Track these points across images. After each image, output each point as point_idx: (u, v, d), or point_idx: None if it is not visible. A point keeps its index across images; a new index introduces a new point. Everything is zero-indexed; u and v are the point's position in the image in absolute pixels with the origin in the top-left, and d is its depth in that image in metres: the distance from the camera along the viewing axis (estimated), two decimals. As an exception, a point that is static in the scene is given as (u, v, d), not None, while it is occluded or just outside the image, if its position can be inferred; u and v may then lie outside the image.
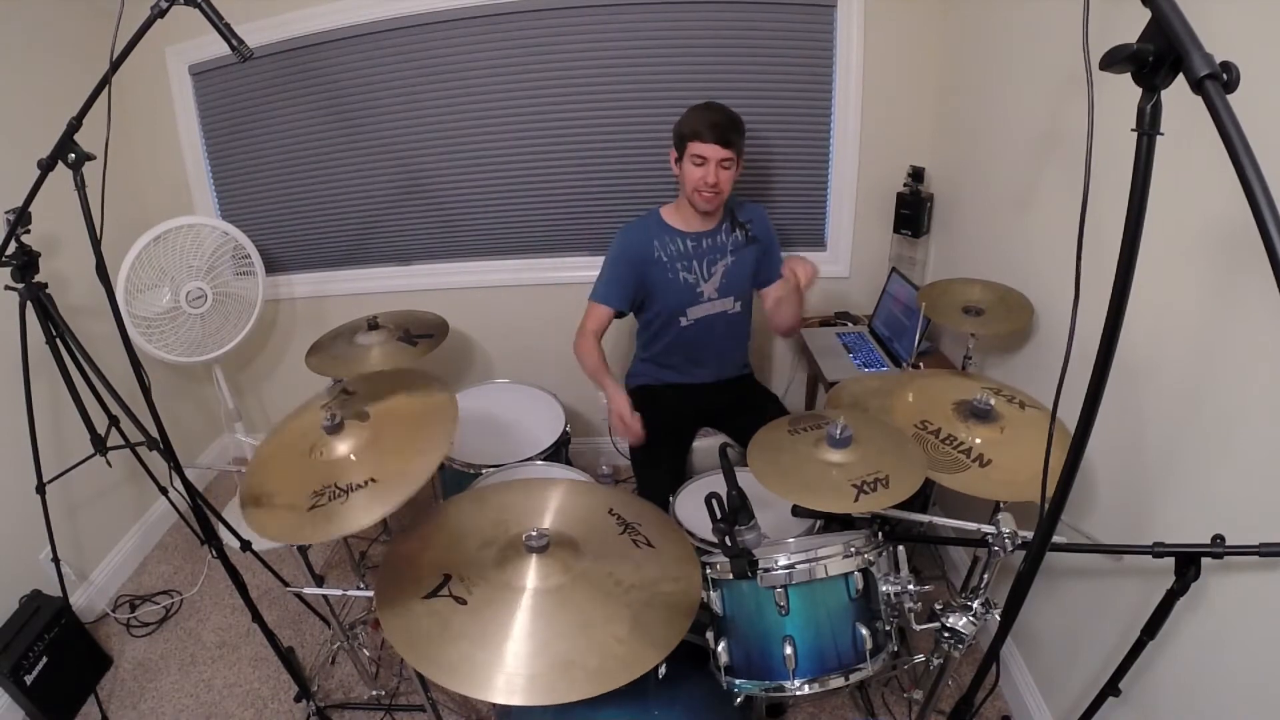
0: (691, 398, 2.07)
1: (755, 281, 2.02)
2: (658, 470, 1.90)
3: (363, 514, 1.14)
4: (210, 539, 1.43)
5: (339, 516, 1.14)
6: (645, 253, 1.91)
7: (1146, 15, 0.58)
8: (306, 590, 1.44)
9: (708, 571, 1.21)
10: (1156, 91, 0.61)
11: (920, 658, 1.36)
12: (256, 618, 1.53)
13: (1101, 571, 1.42)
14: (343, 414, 1.31)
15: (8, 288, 1.61)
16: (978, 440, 1.32)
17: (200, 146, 2.41)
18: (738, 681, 1.20)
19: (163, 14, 1.23)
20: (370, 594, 1.17)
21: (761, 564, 1.15)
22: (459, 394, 2.21)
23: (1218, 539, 1.00)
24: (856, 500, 1.14)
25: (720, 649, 1.20)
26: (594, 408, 2.74)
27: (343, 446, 1.28)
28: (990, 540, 1.11)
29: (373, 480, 1.18)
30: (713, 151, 1.74)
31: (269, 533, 1.17)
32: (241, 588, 1.48)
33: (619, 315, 1.97)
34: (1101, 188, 0.77)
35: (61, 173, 1.27)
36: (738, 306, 1.99)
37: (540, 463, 1.86)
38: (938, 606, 1.20)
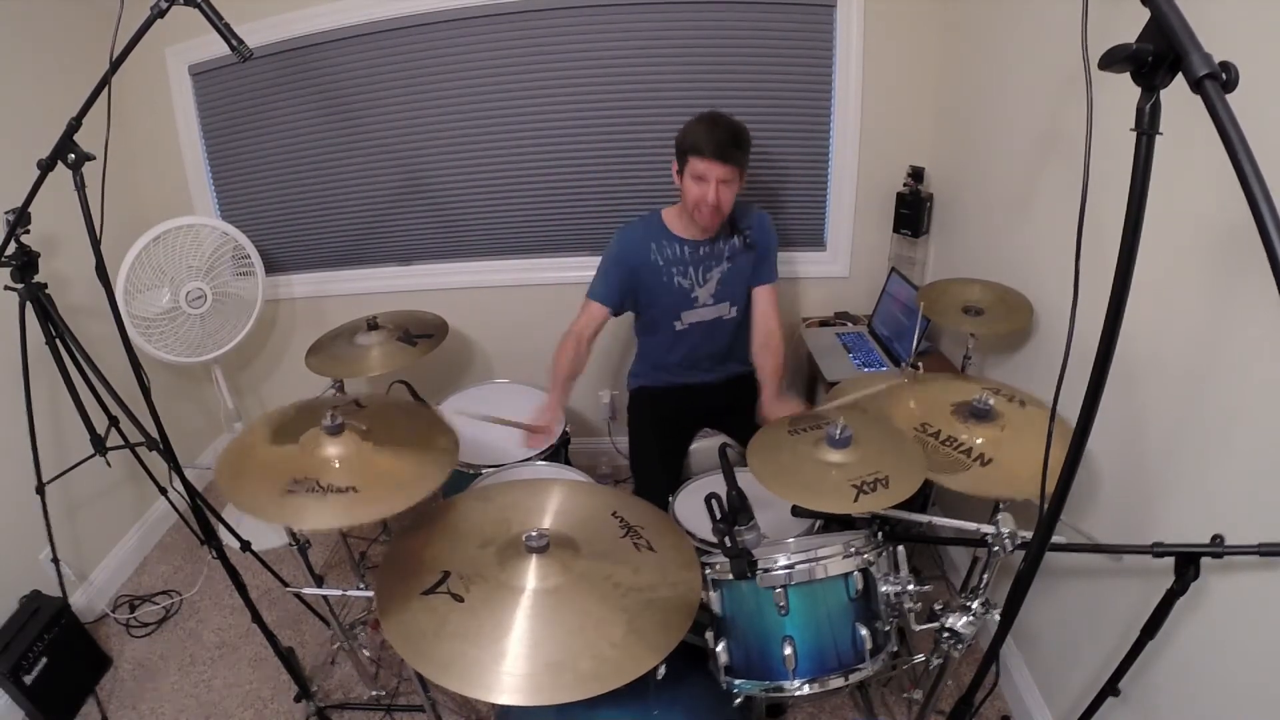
0: (691, 398, 2.07)
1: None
2: (657, 470, 1.90)
3: (331, 517, 1.15)
4: (210, 539, 1.43)
5: (307, 510, 1.14)
6: (641, 255, 1.90)
7: (1146, 15, 0.58)
8: (306, 590, 1.44)
9: (707, 572, 1.21)
10: (1155, 91, 0.61)
11: (920, 658, 1.36)
12: (256, 618, 1.52)
13: (1101, 571, 1.42)
14: (349, 420, 1.30)
15: (7, 288, 1.61)
16: (979, 440, 1.32)
17: (200, 146, 2.41)
18: (737, 682, 1.20)
19: (163, 14, 1.23)
20: (370, 594, 1.17)
21: (761, 564, 1.15)
22: (459, 394, 2.24)
23: (1217, 539, 1.00)
24: (856, 500, 1.14)
25: (720, 649, 1.20)
26: (594, 408, 2.74)
27: (333, 449, 1.26)
28: (990, 540, 1.11)
29: (354, 489, 1.18)
30: (713, 170, 1.68)
31: (237, 500, 1.16)
32: (241, 588, 1.48)
33: (614, 314, 1.96)
34: (1101, 187, 0.77)
35: (61, 173, 1.27)
36: (734, 312, 1.98)
37: (540, 463, 1.86)
38: (937, 606, 1.20)
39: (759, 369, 1.98)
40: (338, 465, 1.24)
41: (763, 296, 1.98)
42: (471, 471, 1.83)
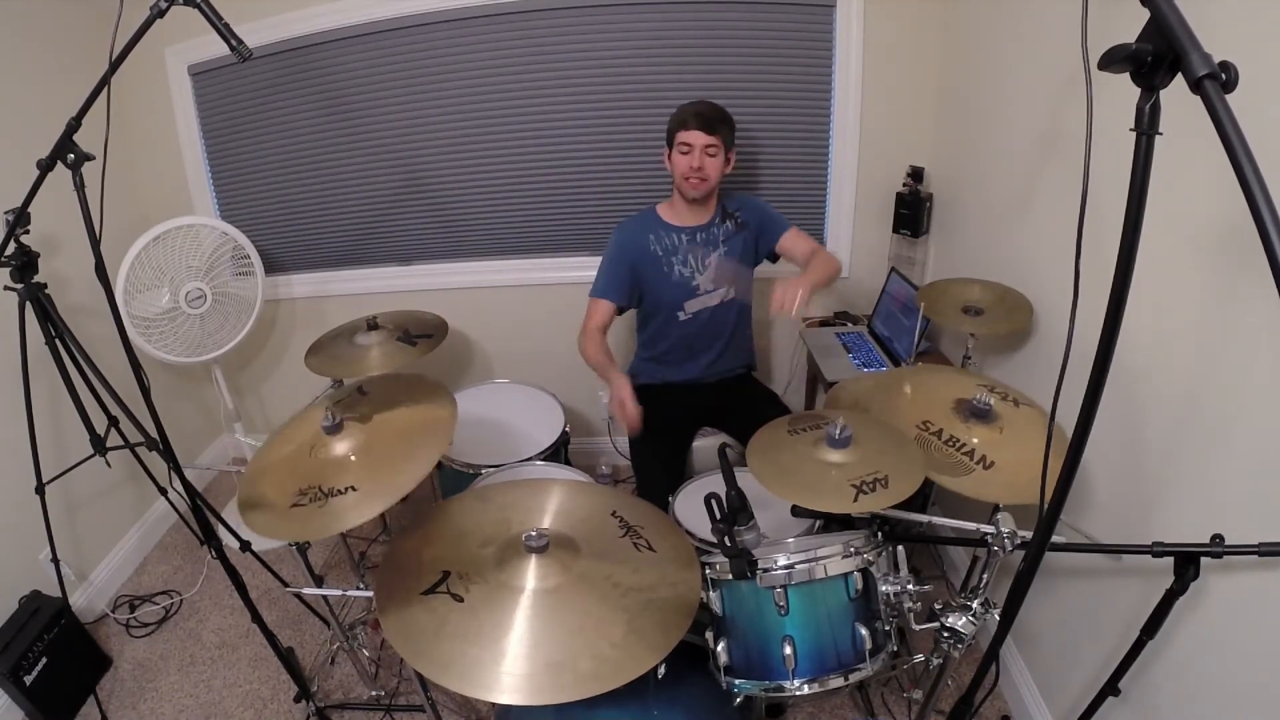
0: (691, 397, 2.07)
1: (758, 258, 2.05)
2: (657, 470, 1.90)
3: (336, 520, 1.17)
4: (210, 539, 1.43)
5: (314, 519, 1.17)
6: (640, 248, 1.94)
7: (1145, 15, 0.58)
8: (306, 590, 1.44)
9: (707, 572, 1.21)
10: (1155, 91, 0.61)
11: (920, 658, 1.36)
12: (256, 618, 1.52)
13: (1101, 571, 1.42)
14: (347, 415, 1.32)
15: (7, 288, 1.60)
16: (975, 440, 1.32)
17: (200, 146, 2.41)
18: (737, 682, 1.20)
19: (162, 14, 1.23)
20: (370, 594, 1.17)
21: (761, 564, 1.15)
22: (459, 394, 2.23)
23: (1217, 539, 1.00)
24: (856, 500, 1.14)
25: (720, 649, 1.20)
26: (594, 407, 2.74)
27: (341, 447, 1.29)
28: (990, 540, 1.11)
29: (353, 488, 1.20)
30: (697, 138, 1.80)
31: (255, 525, 1.19)
32: (241, 588, 1.48)
33: (620, 310, 1.99)
34: (1101, 187, 0.77)
35: (61, 173, 1.27)
36: (732, 293, 2.01)
37: (540, 463, 1.86)
38: (937, 606, 1.19)
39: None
40: (353, 459, 1.27)
41: (788, 240, 1.99)
42: (471, 471, 1.83)
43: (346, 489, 1.20)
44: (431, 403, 1.40)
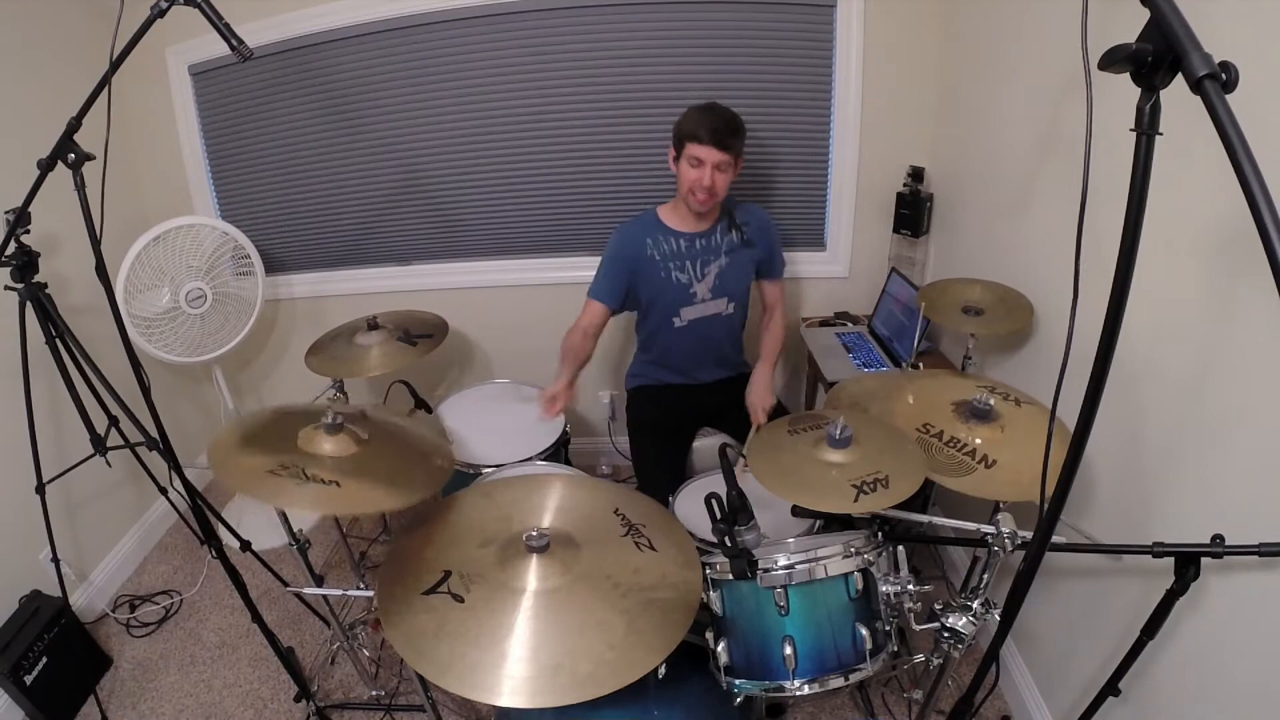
0: (691, 397, 2.07)
1: (757, 279, 2.05)
2: (658, 470, 1.90)
3: (308, 504, 1.15)
4: (210, 539, 1.43)
5: (285, 493, 1.14)
6: (638, 251, 1.92)
7: (1146, 15, 0.58)
8: (306, 590, 1.44)
9: (708, 572, 1.21)
10: (1155, 91, 0.61)
11: (920, 658, 1.36)
12: (256, 618, 1.53)
13: (1101, 571, 1.42)
14: (347, 423, 1.31)
15: (7, 288, 1.61)
16: (978, 441, 1.32)
17: (200, 147, 2.41)
18: (737, 682, 1.20)
19: (162, 14, 1.24)
20: (370, 594, 1.17)
21: (761, 564, 1.15)
22: (459, 394, 2.24)
23: (1217, 539, 1.00)
24: (856, 500, 1.14)
25: (720, 649, 1.20)
26: (594, 407, 2.74)
27: (329, 446, 1.26)
28: (990, 540, 1.11)
29: (336, 484, 1.18)
30: (710, 154, 1.74)
31: (223, 474, 1.16)
32: (241, 588, 1.48)
33: (614, 313, 1.97)
34: (1101, 188, 0.77)
35: (61, 173, 1.27)
36: (731, 308, 1.99)
37: (540, 463, 1.86)
38: (937, 606, 1.20)
39: (760, 345, 2.07)
40: (330, 462, 1.23)
41: (768, 288, 2.07)
42: (472, 471, 1.83)
43: (331, 481, 1.18)
44: (428, 461, 1.36)
